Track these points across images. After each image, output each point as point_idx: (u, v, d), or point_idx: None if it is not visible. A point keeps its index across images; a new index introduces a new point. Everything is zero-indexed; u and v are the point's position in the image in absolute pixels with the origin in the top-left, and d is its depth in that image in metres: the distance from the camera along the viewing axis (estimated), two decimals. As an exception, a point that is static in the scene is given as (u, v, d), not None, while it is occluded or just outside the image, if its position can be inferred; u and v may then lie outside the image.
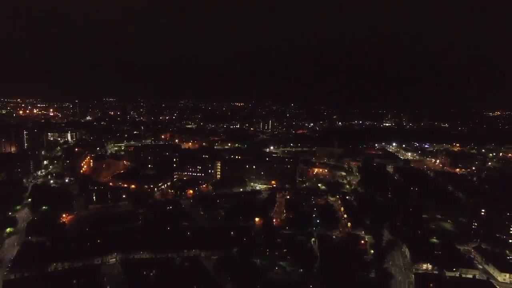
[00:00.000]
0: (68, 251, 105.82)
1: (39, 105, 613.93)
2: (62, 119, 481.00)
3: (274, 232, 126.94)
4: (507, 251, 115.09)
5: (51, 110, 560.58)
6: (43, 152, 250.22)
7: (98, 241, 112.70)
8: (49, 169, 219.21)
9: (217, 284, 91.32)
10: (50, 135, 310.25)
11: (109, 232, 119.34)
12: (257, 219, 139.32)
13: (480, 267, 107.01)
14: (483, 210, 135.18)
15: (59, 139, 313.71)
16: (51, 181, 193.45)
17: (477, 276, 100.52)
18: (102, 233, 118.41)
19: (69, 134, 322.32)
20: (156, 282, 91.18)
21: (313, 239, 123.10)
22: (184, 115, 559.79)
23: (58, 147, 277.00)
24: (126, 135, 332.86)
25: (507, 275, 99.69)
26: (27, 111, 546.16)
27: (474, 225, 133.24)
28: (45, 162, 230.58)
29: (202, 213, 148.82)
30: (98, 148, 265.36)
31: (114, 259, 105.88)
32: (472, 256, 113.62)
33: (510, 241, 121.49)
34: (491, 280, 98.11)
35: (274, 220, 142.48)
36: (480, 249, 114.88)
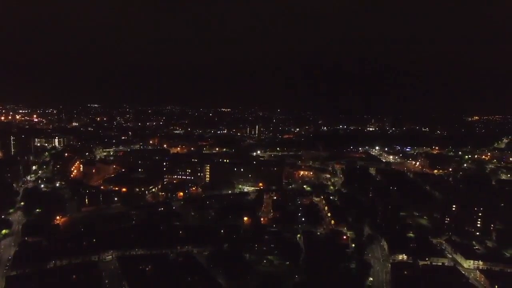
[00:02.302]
0: (65, 249, 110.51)
1: (21, 111, 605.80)
2: (47, 125, 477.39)
3: (262, 230, 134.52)
4: (474, 242, 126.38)
5: (35, 116, 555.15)
6: (31, 158, 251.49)
7: (94, 240, 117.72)
8: (39, 174, 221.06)
9: (210, 276, 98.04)
10: (37, 141, 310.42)
11: (104, 231, 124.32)
12: (245, 218, 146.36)
13: (450, 256, 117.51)
14: (454, 206, 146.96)
15: (46, 144, 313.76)
16: (42, 186, 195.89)
17: (446, 264, 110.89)
18: (97, 232, 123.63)
19: (56, 140, 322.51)
20: (152, 275, 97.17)
21: (298, 235, 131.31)
22: (171, 120, 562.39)
23: (46, 153, 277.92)
24: (114, 141, 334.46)
25: (471, 261, 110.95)
26: (9, 117, 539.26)
27: (447, 220, 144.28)
28: (34, 167, 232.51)
29: (193, 213, 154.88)
30: (87, 154, 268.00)
31: (110, 256, 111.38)
32: (444, 247, 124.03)
33: (477, 233, 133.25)
34: (457, 267, 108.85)
35: (261, 219, 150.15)
36: (450, 240, 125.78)
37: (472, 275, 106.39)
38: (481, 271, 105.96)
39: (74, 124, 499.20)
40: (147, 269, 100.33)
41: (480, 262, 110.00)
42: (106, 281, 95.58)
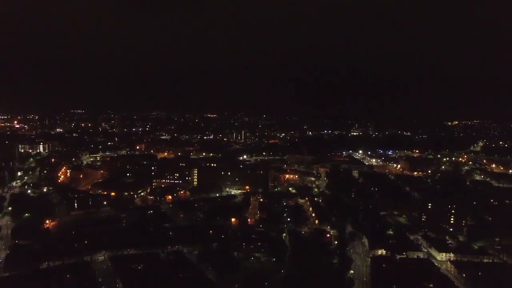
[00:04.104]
0: (57, 251, 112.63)
1: (0, 117, 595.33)
2: (30, 131, 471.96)
3: (249, 230, 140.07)
4: (447, 237, 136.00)
5: (15, 122, 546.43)
6: (16, 164, 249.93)
7: (86, 242, 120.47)
8: (25, 180, 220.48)
9: (200, 272, 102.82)
10: (20, 147, 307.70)
11: (95, 233, 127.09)
12: (233, 219, 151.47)
13: (425, 250, 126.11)
14: (430, 205, 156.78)
15: (30, 151, 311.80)
16: (29, 191, 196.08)
17: (421, 257, 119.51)
18: (88, 234, 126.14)
19: (41, 146, 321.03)
20: (144, 273, 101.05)
21: (284, 234, 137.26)
22: (158, 126, 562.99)
23: (31, 159, 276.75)
24: (100, 146, 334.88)
25: (444, 254, 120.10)
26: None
27: (423, 218, 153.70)
28: (19, 173, 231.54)
29: (181, 215, 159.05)
30: (73, 159, 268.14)
31: (103, 257, 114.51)
32: (420, 242, 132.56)
33: (450, 229, 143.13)
34: (431, 259, 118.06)
35: (248, 220, 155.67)
36: (426, 236, 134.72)
37: (444, 266, 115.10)
38: (452, 262, 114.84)
39: (58, 130, 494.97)
40: (139, 267, 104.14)
41: (451, 255, 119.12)
42: (100, 280, 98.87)
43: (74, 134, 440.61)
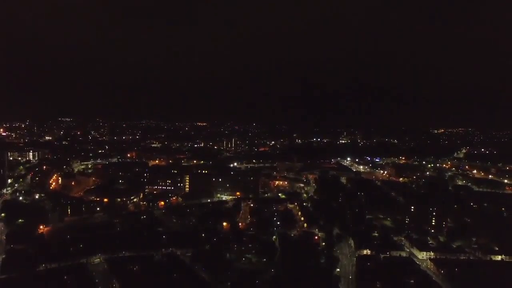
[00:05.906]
0: (53, 254, 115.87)
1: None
2: (18, 139, 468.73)
3: (240, 233, 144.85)
4: (428, 237, 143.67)
5: (2, 130, 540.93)
6: (6, 171, 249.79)
7: (81, 245, 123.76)
8: (15, 187, 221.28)
9: (194, 272, 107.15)
10: (9, 155, 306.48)
11: (90, 237, 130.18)
12: (224, 223, 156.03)
13: (407, 250, 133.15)
14: (414, 208, 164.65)
15: (19, 158, 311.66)
16: (20, 198, 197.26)
17: (403, 255, 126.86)
18: (83, 238, 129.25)
19: (30, 154, 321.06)
20: (139, 274, 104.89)
21: (274, 237, 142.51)
22: (148, 134, 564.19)
23: (21, 166, 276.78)
24: (91, 154, 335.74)
25: (425, 253, 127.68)
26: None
27: (407, 220, 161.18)
28: (9, 180, 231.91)
29: (174, 220, 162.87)
30: (64, 167, 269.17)
31: (98, 259, 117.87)
32: (403, 243, 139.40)
33: (432, 230, 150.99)
34: (412, 258, 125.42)
35: (239, 224, 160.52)
36: (409, 237, 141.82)
37: (424, 264, 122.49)
38: (432, 260, 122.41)
39: (47, 138, 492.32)
40: (134, 269, 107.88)
41: (431, 253, 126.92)
42: (97, 280, 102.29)
43: (64, 142, 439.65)
